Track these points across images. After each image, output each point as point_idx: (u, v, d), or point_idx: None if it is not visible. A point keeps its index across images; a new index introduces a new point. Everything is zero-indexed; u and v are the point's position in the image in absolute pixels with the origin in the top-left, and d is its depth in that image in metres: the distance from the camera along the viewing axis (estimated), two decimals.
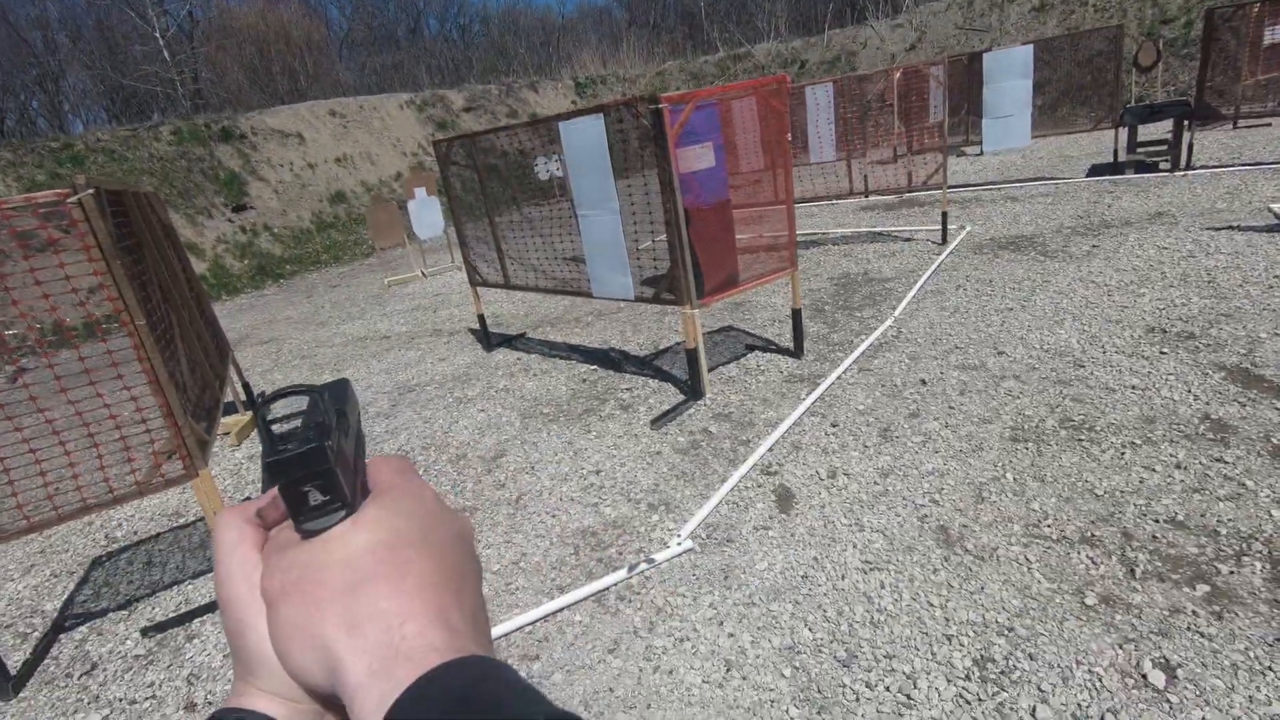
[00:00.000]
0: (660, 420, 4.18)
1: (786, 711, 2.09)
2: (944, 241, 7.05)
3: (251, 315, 10.82)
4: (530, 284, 5.57)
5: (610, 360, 5.47)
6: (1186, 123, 8.29)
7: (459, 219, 6.02)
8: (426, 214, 10.30)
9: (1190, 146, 8.31)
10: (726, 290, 4.40)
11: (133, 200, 3.61)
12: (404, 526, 0.36)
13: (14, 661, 2.98)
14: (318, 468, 0.33)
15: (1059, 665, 2.07)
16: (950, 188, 8.60)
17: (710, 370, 4.74)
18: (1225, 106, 10.87)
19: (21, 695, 2.80)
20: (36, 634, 3.21)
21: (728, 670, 2.28)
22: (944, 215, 7.06)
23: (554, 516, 3.39)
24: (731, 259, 4.81)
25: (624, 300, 4.56)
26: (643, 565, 2.87)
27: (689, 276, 4.08)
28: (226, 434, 5.17)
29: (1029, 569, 2.48)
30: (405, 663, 0.30)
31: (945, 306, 5.25)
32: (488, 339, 6.33)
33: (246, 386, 5.42)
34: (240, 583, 0.36)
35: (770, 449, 3.64)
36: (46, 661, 3.00)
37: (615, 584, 2.80)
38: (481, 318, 6.24)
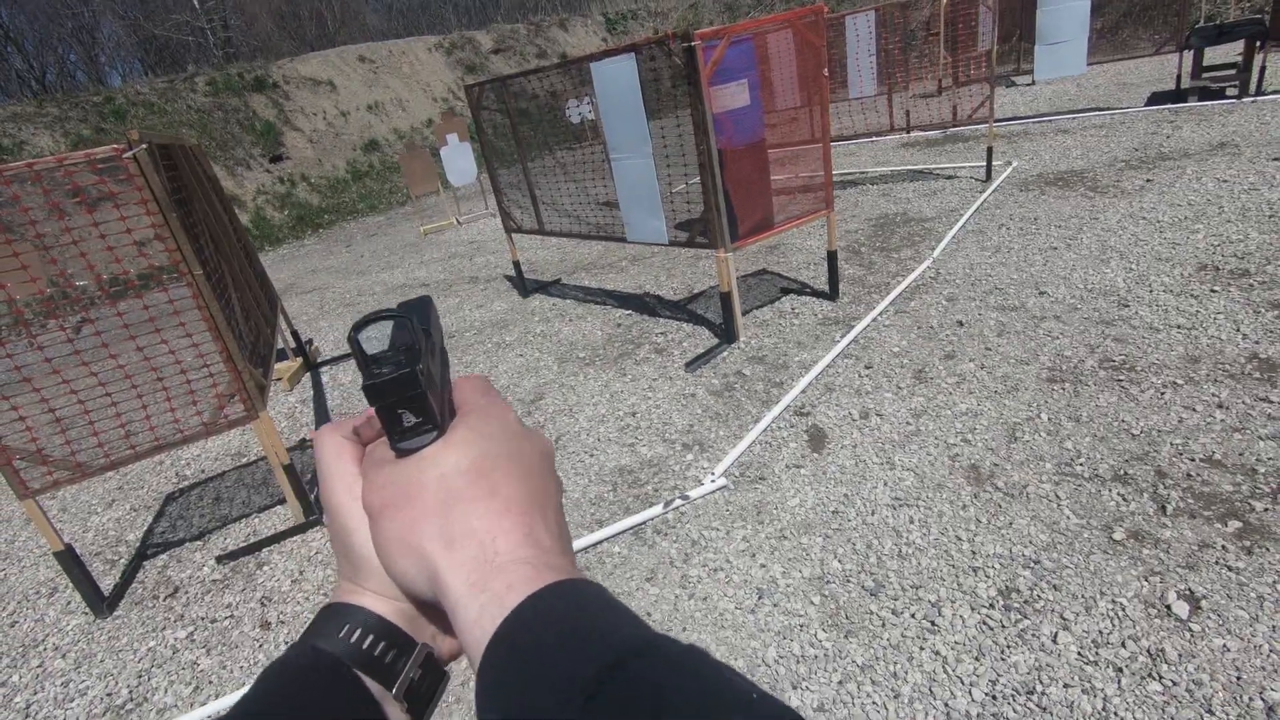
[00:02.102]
0: (694, 363, 4.24)
1: (815, 635, 2.21)
2: (988, 179, 6.83)
3: (294, 265, 11.09)
4: (565, 230, 5.60)
5: (645, 305, 5.52)
6: (1260, 43, 7.74)
7: (492, 165, 6.04)
8: (459, 160, 10.29)
9: (1263, 70, 7.79)
10: (761, 233, 4.38)
11: (180, 154, 3.72)
12: (491, 448, 0.37)
13: (105, 585, 3.27)
14: (410, 391, 0.35)
15: (1083, 596, 2.13)
16: (997, 121, 8.25)
17: (744, 314, 4.77)
18: None
19: (115, 613, 3.09)
20: (123, 561, 3.51)
21: (759, 598, 2.40)
22: (989, 151, 6.81)
23: (592, 456, 3.52)
24: (766, 200, 4.76)
25: (658, 245, 4.58)
26: (678, 501, 2.99)
27: (722, 219, 4.07)
28: (279, 379, 5.41)
29: (1058, 506, 2.52)
30: (500, 576, 0.32)
31: (986, 246, 5.14)
32: (523, 285, 6.42)
33: (295, 334, 5.64)
34: (343, 493, 0.39)
35: (803, 391, 3.69)
36: (134, 585, 3.28)
37: (652, 519, 2.93)
38: (517, 264, 6.32)
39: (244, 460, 4.33)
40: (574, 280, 6.62)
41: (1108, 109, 8.83)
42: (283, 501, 3.68)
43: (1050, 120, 8.91)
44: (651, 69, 4.19)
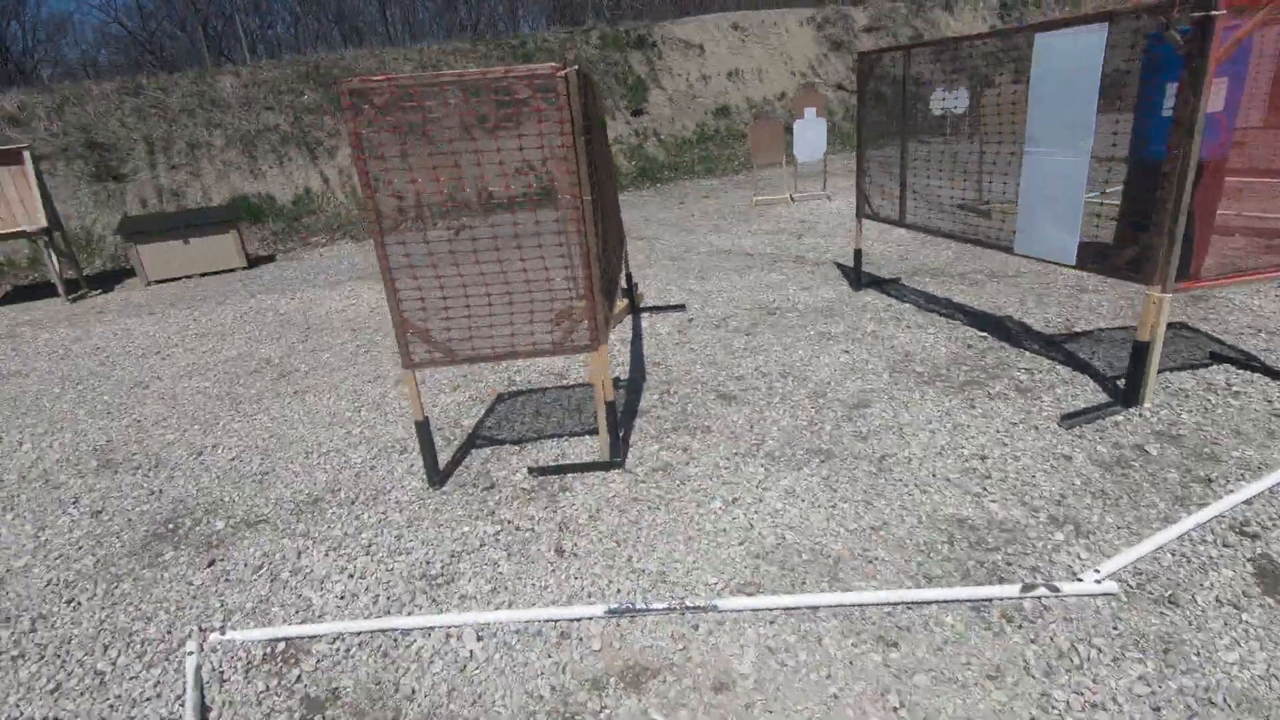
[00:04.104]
0: (1074, 419, 3.39)
1: None
2: None
3: (631, 213, 11.82)
4: (928, 225, 4.92)
5: (1004, 330, 4.65)
6: None
7: (863, 144, 5.53)
8: (810, 136, 9.91)
9: None
10: (1229, 277, 3.30)
11: (590, 85, 3.89)
12: None
13: (440, 459, 3.65)
14: None
15: None
16: None
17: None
18: None
19: (443, 489, 3.42)
20: (456, 443, 3.90)
21: None
22: None
23: (924, 492, 2.98)
24: (1207, 235, 3.64)
25: (1057, 264, 3.73)
26: (1042, 590, 2.34)
27: (1174, 250, 3.12)
28: None
29: None
30: None
31: None
32: (858, 277, 5.88)
33: (629, 276, 5.86)
34: None
35: (1248, 502, 2.69)
36: (460, 468, 3.61)
37: (1002, 598, 2.34)
38: (859, 253, 5.79)
39: (563, 382, 4.58)
40: (915, 283, 5.90)
41: None
42: (592, 432, 3.78)
43: None
44: (1124, 46, 3.32)
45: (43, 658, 2.56)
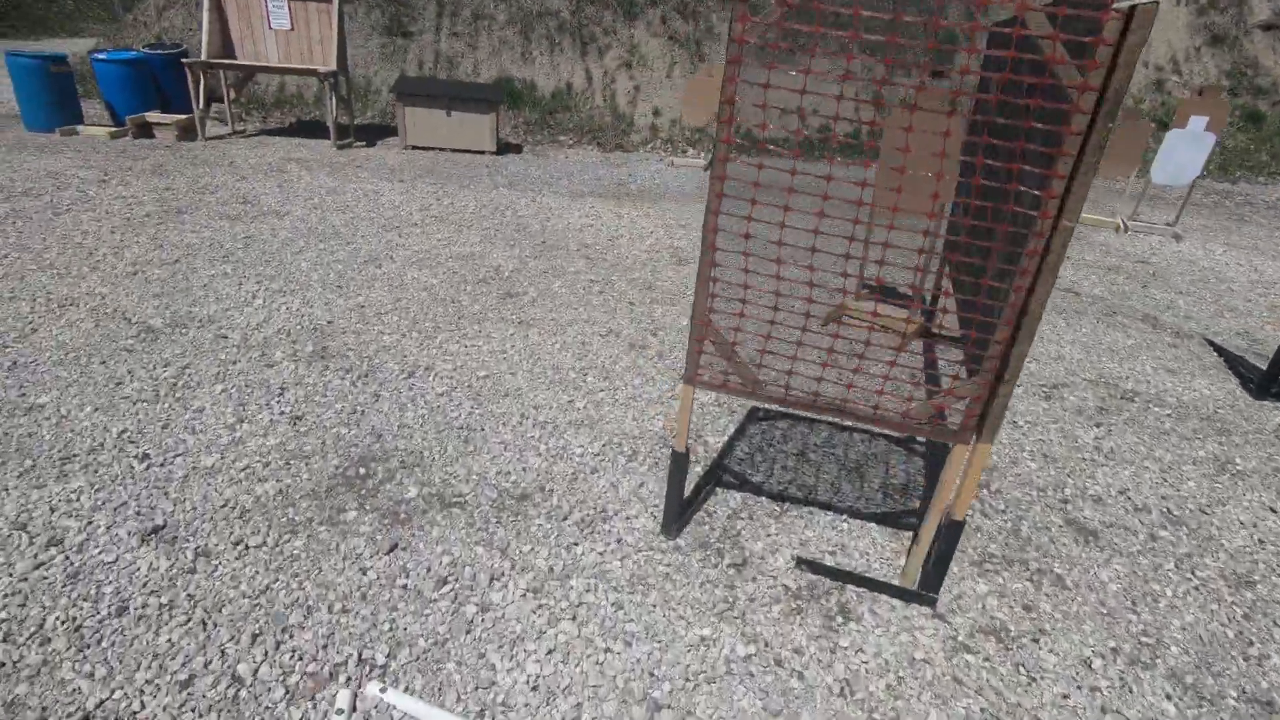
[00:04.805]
0: None
1: None
2: None
3: None
4: None
5: None
6: None
7: None
8: (1186, 153, 7.60)
9: None
10: None
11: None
12: None
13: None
14: None
15: None
16: None
17: None
18: None
19: (679, 541, 2.56)
20: (698, 468, 3.02)
21: None
22: None
23: None
24: None
25: None
26: None
27: None
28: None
29: None
30: None
31: None
32: (1269, 380, 4.13)
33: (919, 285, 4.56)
34: None
35: None
36: (701, 513, 2.73)
37: None
38: None
39: (842, 420, 3.50)
40: None
41: None
42: (882, 519, 2.72)
43: None
44: None
45: (188, 621, 2.07)
